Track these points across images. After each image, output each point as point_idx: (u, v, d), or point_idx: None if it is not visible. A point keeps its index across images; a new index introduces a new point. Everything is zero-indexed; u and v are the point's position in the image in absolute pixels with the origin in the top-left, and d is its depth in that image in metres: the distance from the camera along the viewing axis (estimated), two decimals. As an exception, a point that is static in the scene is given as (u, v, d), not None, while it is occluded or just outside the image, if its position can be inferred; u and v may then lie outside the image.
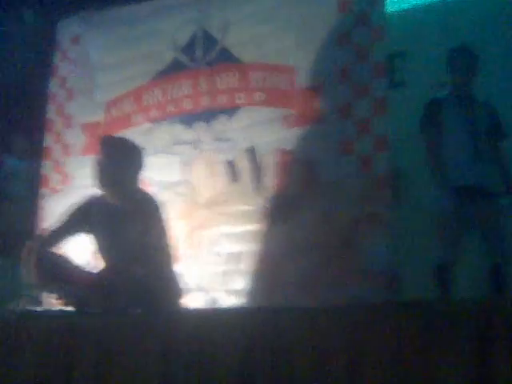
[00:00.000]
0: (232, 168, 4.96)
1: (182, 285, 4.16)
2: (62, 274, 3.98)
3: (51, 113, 5.87)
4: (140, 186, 4.19)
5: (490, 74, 4.66)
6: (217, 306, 4.68)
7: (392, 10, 5.25)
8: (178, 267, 4.15)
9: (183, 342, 2.96)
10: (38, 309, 4.08)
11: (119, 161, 4.08)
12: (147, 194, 4.19)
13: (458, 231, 4.22)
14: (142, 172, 4.19)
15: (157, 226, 4.03)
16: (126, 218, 4.01)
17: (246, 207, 4.83)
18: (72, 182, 5.61)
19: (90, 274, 4.10)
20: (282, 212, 4.66)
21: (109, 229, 4.10)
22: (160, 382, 2.94)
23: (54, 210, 5.39)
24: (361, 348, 2.57)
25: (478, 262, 4.30)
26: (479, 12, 5.09)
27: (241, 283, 4.72)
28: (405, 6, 5.38)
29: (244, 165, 4.91)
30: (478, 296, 3.98)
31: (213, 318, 3.12)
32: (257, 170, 4.84)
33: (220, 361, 2.81)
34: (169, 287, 4.09)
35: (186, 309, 4.17)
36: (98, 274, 4.04)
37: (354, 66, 4.59)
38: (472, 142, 4.30)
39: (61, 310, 3.84)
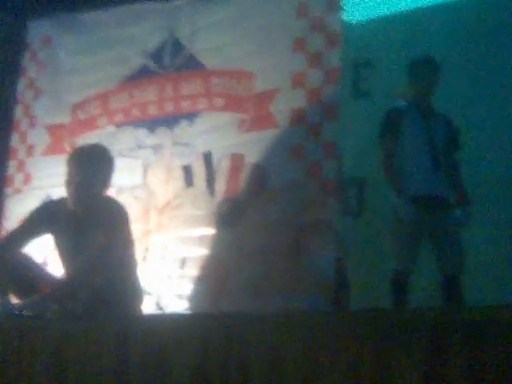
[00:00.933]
0: (188, 172, 4.95)
1: (141, 290, 4.17)
2: (23, 279, 3.96)
3: (17, 113, 5.88)
4: (106, 193, 4.18)
5: (448, 85, 4.63)
6: (163, 310, 4.65)
7: (358, 19, 5.25)
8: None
9: (137, 347, 2.94)
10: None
11: (92, 173, 4.04)
12: (115, 201, 4.17)
13: (414, 240, 4.19)
14: (111, 179, 4.18)
15: (122, 235, 4.02)
16: (90, 224, 3.97)
17: (199, 212, 4.83)
18: (33, 183, 5.61)
19: (51, 279, 4.07)
20: (231, 217, 4.65)
21: (72, 235, 4.05)
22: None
23: (16, 210, 5.44)
24: (315, 355, 2.55)
25: (432, 271, 4.26)
26: (444, 22, 5.06)
27: (187, 288, 4.70)
28: (371, 15, 5.35)
29: (200, 169, 4.90)
30: (432, 305, 3.98)
31: (166, 323, 3.12)
32: (211, 174, 4.83)
33: (174, 367, 2.80)
34: (131, 293, 4.09)
35: (140, 314, 4.14)
36: (60, 280, 4.01)
37: (308, 71, 4.59)
38: (430, 152, 4.28)
39: (18, 316, 3.78)
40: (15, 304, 3.87)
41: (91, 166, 4.03)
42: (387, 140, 4.36)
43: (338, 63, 4.54)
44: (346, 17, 4.80)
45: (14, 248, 4.07)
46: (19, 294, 3.94)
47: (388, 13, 5.29)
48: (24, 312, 3.74)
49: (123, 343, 2.97)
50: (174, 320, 3.33)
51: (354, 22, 5.14)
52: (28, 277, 3.97)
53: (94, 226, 3.92)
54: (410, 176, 4.25)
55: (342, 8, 4.67)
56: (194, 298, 4.67)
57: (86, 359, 3.02)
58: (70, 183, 4.03)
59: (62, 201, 4.16)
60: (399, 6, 5.26)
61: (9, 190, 5.73)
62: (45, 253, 4.65)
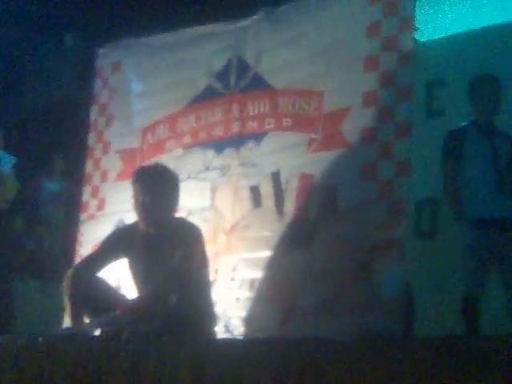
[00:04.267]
0: (256, 193, 4.90)
1: (216, 315, 4.19)
2: (99, 301, 4.03)
3: (91, 139, 5.97)
4: (177, 214, 4.19)
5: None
6: (232, 333, 4.59)
7: (430, 37, 5.15)
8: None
9: (212, 372, 2.94)
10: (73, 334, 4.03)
11: (159, 193, 4.09)
12: (188, 222, 4.22)
13: (483, 264, 4.05)
14: (179, 200, 4.19)
15: (197, 255, 4.03)
16: (164, 246, 4.01)
17: (267, 233, 4.76)
18: (107, 208, 5.65)
19: (125, 300, 4.14)
20: (300, 238, 4.56)
21: (147, 256, 4.10)
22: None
23: (91, 235, 5.51)
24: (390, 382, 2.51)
25: (502, 295, 4.10)
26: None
27: (256, 310, 4.64)
28: (445, 34, 5.25)
29: (268, 190, 4.85)
30: (507, 333, 3.81)
31: (242, 348, 3.14)
32: (280, 194, 4.77)
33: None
34: (205, 314, 4.11)
35: (215, 337, 4.16)
36: (134, 302, 4.02)
37: (380, 90, 4.51)
38: (494, 172, 4.15)
39: (94, 336, 3.85)
40: (91, 322, 3.89)
41: (155, 185, 4.08)
42: (448, 162, 4.26)
43: (410, 81, 4.43)
44: (418, 35, 4.73)
45: (90, 272, 4.14)
46: (94, 315, 4.01)
47: (461, 31, 5.18)
48: (100, 329, 3.75)
49: (199, 367, 2.97)
50: (249, 345, 3.37)
51: (426, 40, 5.03)
52: (103, 300, 4.05)
53: (168, 247, 3.97)
54: (473, 198, 4.13)
55: (415, 27, 4.58)
56: (262, 321, 4.60)
57: (161, 382, 3.03)
58: (138, 204, 4.05)
59: (135, 224, 4.21)
60: (472, 25, 5.13)
61: (84, 216, 5.80)
62: (118, 277, 4.68)
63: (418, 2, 4.66)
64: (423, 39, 5.00)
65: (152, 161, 5.42)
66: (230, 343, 3.78)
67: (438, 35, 5.24)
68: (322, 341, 3.01)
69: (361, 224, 4.34)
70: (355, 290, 4.22)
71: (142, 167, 4.44)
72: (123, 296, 4.24)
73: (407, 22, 4.59)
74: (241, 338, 4.54)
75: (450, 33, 5.24)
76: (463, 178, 4.21)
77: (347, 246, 4.37)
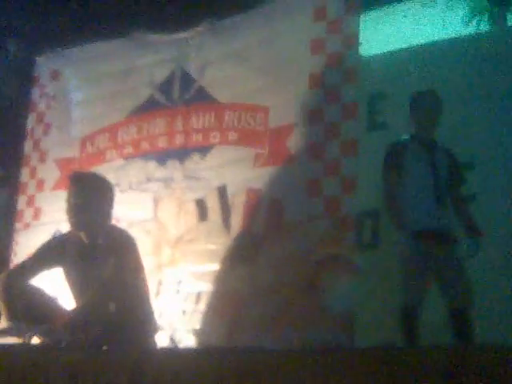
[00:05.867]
0: (202, 206, 4.90)
1: (156, 322, 4.10)
2: (35, 309, 3.90)
3: (27, 147, 5.87)
4: (112, 223, 4.12)
5: (463, 118, 4.60)
6: (177, 345, 4.59)
7: (373, 52, 5.21)
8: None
9: (150, 380, 2.86)
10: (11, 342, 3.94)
11: (91, 197, 4.00)
12: (121, 230, 4.13)
13: (421, 275, 4.13)
14: (112, 208, 4.11)
15: (131, 263, 3.96)
16: (98, 254, 3.93)
17: (213, 246, 4.78)
18: (42, 218, 5.57)
19: (63, 310, 4.00)
20: (247, 251, 4.61)
21: (81, 266, 4.00)
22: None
23: (26, 245, 5.37)
24: None
25: (440, 306, 4.19)
26: (459, 56, 5.03)
27: (201, 323, 4.65)
28: (385, 49, 5.31)
29: (214, 203, 4.85)
30: (445, 343, 3.91)
31: (179, 357, 3.05)
32: (226, 208, 4.79)
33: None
34: (144, 320, 4.02)
35: (154, 344, 4.08)
36: (71, 312, 3.95)
37: (326, 107, 4.57)
38: (433, 186, 4.22)
39: (30, 345, 3.71)
40: (28, 329, 3.82)
41: (87, 189, 3.99)
42: (389, 175, 4.32)
43: (355, 98, 4.52)
44: (362, 51, 4.80)
45: (22, 278, 4.01)
46: (31, 322, 3.85)
47: (404, 46, 5.26)
48: (38, 336, 3.69)
49: (137, 375, 2.90)
50: (188, 354, 3.28)
51: (368, 55, 5.10)
52: (40, 306, 3.91)
53: (102, 255, 3.90)
54: (412, 211, 4.20)
55: (358, 43, 4.65)
56: (208, 333, 4.62)
57: None
58: (69, 207, 4.00)
59: (69, 233, 4.13)
60: (414, 40, 5.22)
61: (19, 225, 5.70)
62: (54, 288, 4.60)
63: (360, 19, 4.74)
64: (366, 55, 5.06)
65: (91, 170, 5.38)
66: (169, 352, 3.72)
67: (380, 51, 5.30)
68: (259, 350, 2.98)
69: (307, 239, 4.40)
70: (301, 303, 4.27)
71: (77, 172, 4.37)
72: (59, 305, 4.16)
73: (351, 39, 4.70)
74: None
75: (391, 48, 5.31)
76: (403, 191, 4.28)
77: (293, 260, 4.42)
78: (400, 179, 4.27)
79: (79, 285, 4.03)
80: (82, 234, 4.01)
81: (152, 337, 4.06)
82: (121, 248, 3.92)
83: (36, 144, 5.84)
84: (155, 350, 3.93)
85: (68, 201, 4.01)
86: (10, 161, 5.94)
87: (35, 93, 5.95)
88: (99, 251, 3.92)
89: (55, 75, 5.90)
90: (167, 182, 5.10)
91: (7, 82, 5.92)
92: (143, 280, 4.08)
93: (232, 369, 2.70)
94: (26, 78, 6.01)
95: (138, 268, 4.02)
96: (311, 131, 4.59)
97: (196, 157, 5.04)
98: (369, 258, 4.96)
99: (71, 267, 4.05)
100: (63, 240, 4.15)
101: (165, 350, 3.99)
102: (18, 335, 3.74)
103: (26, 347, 3.67)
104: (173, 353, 3.59)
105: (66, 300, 4.21)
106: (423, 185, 4.23)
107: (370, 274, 4.81)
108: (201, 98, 5.16)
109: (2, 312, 3.92)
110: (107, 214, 4.08)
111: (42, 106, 5.90)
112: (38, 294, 4.00)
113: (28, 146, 5.86)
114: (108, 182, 4.14)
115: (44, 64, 5.97)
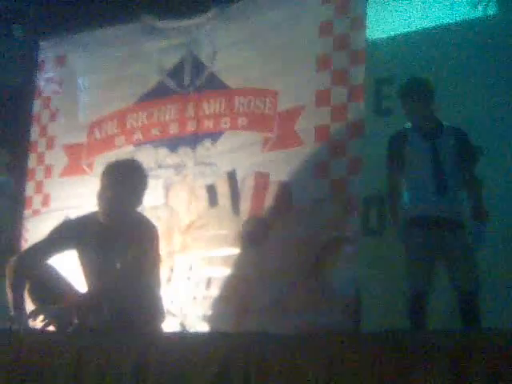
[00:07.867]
0: (212, 192, 4.93)
1: (163, 309, 4.14)
2: (46, 289, 3.92)
3: (34, 134, 5.85)
4: (138, 209, 4.13)
5: (471, 101, 4.61)
6: (187, 330, 4.64)
7: (380, 36, 5.22)
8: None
9: (156, 365, 2.91)
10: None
11: (125, 183, 3.99)
12: (147, 219, 4.14)
13: (427, 261, 4.15)
14: (143, 196, 4.11)
15: (151, 253, 3.99)
16: (120, 241, 3.95)
17: (224, 231, 4.81)
18: (52, 205, 5.57)
19: (75, 292, 4.03)
20: (256, 236, 4.64)
21: (100, 248, 4.01)
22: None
23: (36, 232, 5.35)
24: (335, 375, 2.53)
25: (448, 291, 4.23)
26: (467, 39, 5.04)
27: (212, 308, 4.70)
28: (394, 32, 5.32)
29: (224, 189, 4.88)
30: (452, 328, 3.95)
31: (186, 341, 3.09)
32: (236, 193, 4.81)
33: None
34: (154, 311, 4.05)
35: (161, 332, 4.11)
36: (84, 294, 3.96)
37: (333, 89, 4.60)
38: (433, 174, 4.21)
39: (40, 330, 3.69)
40: (37, 309, 3.81)
41: (124, 181, 3.99)
42: (390, 167, 4.33)
43: (361, 80, 4.54)
44: (368, 34, 4.80)
45: (35, 260, 4.03)
46: (41, 304, 3.89)
47: (411, 30, 5.26)
48: (47, 318, 3.68)
49: (143, 361, 2.95)
50: (195, 338, 3.34)
51: (376, 39, 5.10)
52: (52, 287, 3.94)
53: (125, 241, 3.91)
54: (415, 198, 4.22)
55: (365, 26, 4.66)
56: (218, 319, 4.66)
57: (105, 375, 3.00)
58: (102, 197, 3.99)
59: (92, 215, 4.11)
60: (422, 24, 5.22)
61: (28, 212, 5.70)
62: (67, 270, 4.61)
63: (368, 2, 4.74)
64: (373, 38, 5.06)
65: (100, 157, 5.39)
66: (175, 336, 3.78)
67: (388, 34, 5.30)
68: (266, 334, 3.00)
69: (313, 222, 4.45)
70: (307, 287, 4.33)
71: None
72: (72, 286, 4.15)
73: (358, 22, 4.69)
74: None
75: (399, 32, 5.31)
76: (406, 180, 4.30)
77: (300, 243, 4.46)
78: (402, 170, 4.29)
79: (96, 268, 4.05)
80: (106, 219, 4.02)
81: (158, 325, 4.09)
82: (144, 237, 3.95)
83: (43, 130, 5.82)
84: (161, 334, 3.96)
85: (101, 189, 4.00)
86: (17, 147, 5.93)
87: (41, 78, 5.92)
88: (121, 237, 3.94)
89: (61, 60, 5.87)
90: (178, 168, 5.12)
91: (12, 66, 5.89)
92: (158, 271, 4.11)
93: (238, 354, 2.74)
94: (30, 63, 5.97)
95: (156, 258, 4.06)
96: (318, 114, 4.62)
97: (207, 143, 5.06)
98: (373, 242, 5.00)
99: (89, 249, 4.06)
100: (80, 223, 4.16)
101: (170, 335, 4.05)
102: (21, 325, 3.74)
103: (32, 332, 3.69)
104: (178, 337, 3.64)
105: (78, 283, 4.24)
106: (422, 173, 4.24)
107: (374, 259, 4.86)
108: (212, 85, 5.17)
109: (9, 297, 3.92)
110: (138, 203, 4.10)
111: (48, 91, 5.87)
112: (50, 274, 4.03)
113: (35, 131, 5.85)
114: (143, 170, 4.13)
115: (49, 49, 5.94)
